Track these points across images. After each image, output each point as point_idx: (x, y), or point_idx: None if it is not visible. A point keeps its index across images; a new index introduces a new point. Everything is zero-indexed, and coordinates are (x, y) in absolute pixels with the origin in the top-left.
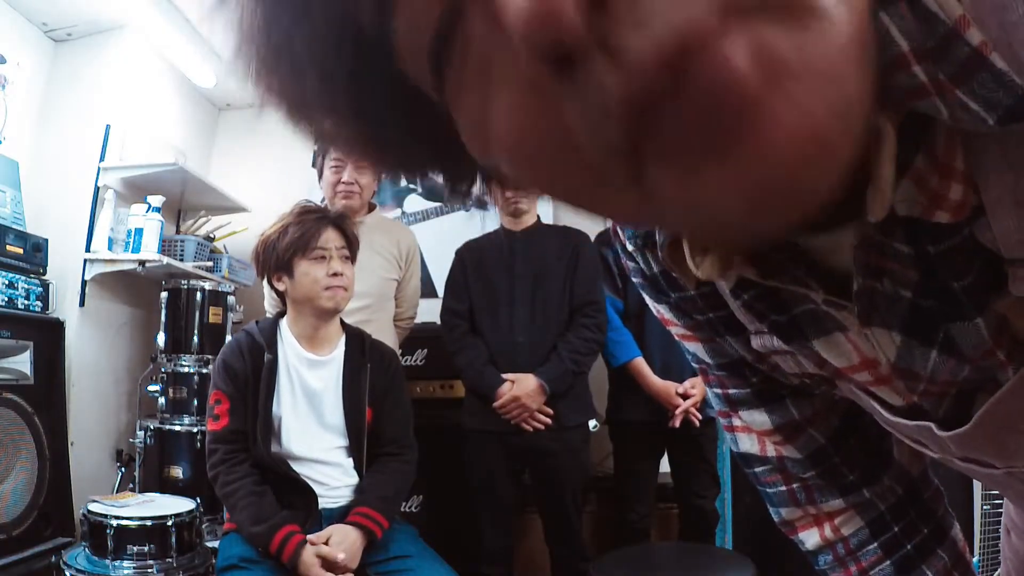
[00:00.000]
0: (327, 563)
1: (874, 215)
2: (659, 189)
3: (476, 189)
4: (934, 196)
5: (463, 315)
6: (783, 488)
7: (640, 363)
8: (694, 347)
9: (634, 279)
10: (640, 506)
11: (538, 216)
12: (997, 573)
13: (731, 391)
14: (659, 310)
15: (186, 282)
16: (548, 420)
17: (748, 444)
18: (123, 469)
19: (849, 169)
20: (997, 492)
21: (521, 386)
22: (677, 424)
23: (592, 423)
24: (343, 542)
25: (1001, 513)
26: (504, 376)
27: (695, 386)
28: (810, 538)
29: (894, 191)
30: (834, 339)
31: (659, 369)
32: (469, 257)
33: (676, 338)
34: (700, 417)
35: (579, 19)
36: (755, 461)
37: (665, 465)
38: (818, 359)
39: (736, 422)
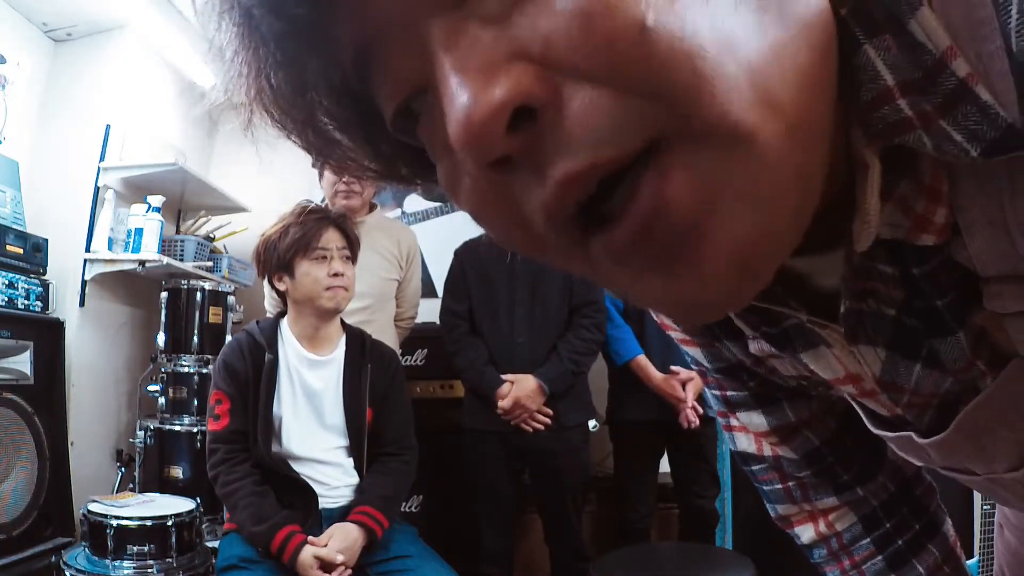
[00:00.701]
0: (325, 564)
1: (860, 246)
2: (606, 273)
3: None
4: (919, 220)
5: (463, 315)
6: (779, 486)
7: (643, 360)
8: (693, 351)
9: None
10: (641, 506)
11: None
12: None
13: (729, 393)
14: (659, 317)
15: (186, 282)
16: (548, 420)
17: (745, 443)
18: (123, 469)
19: (827, 202)
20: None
21: (520, 387)
22: (687, 423)
23: (592, 423)
24: (345, 540)
25: (996, 511)
26: (504, 376)
27: (695, 376)
28: (805, 532)
29: (879, 220)
30: (820, 352)
31: (659, 368)
32: (468, 257)
33: (676, 342)
34: (701, 411)
35: (504, 139)
36: (752, 460)
37: (665, 465)
38: (808, 368)
39: (734, 422)
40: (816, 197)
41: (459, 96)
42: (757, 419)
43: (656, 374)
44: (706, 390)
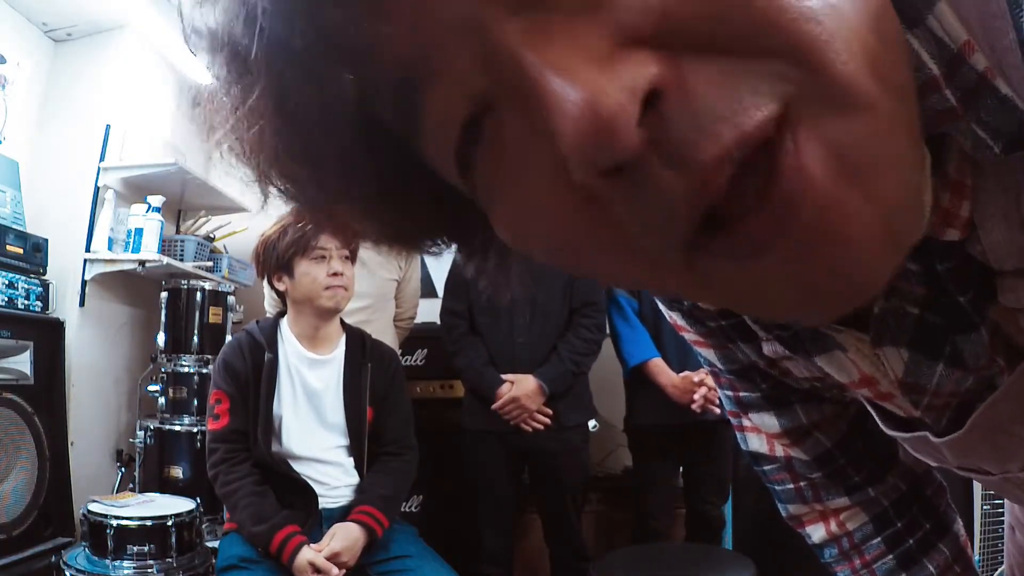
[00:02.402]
0: (320, 571)
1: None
2: (722, 279)
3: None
4: (945, 214)
5: (463, 315)
6: (790, 486)
7: (658, 363)
8: (707, 353)
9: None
10: (664, 515)
11: None
12: (999, 572)
13: (742, 394)
14: (672, 317)
15: (186, 282)
16: (547, 420)
17: (757, 444)
18: (123, 469)
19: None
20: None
21: (520, 387)
22: (698, 407)
23: (592, 423)
24: (346, 540)
25: (1001, 513)
26: (503, 376)
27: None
28: (816, 532)
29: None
30: (834, 356)
31: (676, 371)
32: None
33: (690, 343)
34: (718, 402)
35: (636, 132)
36: (764, 460)
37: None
38: (822, 371)
39: (746, 423)
40: (922, 153)
41: (571, 91)
42: (769, 421)
43: (673, 376)
44: (719, 390)
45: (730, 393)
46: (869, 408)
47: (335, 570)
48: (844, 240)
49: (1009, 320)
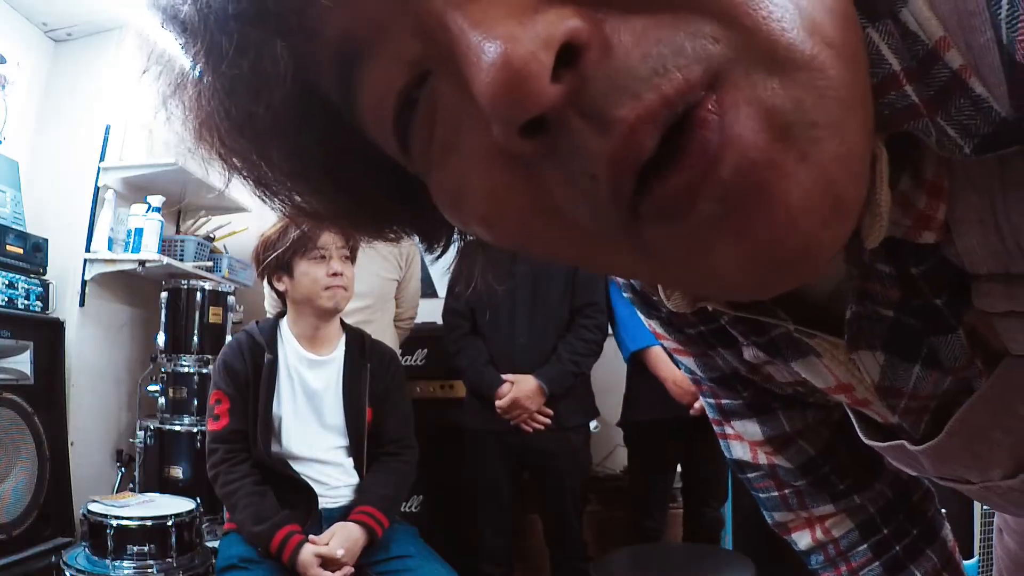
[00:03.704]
0: (325, 561)
1: (871, 242)
2: (659, 249)
3: (453, 245)
4: (921, 217)
5: (465, 315)
6: (775, 494)
7: (659, 352)
8: (687, 361)
9: (625, 294)
10: (659, 513)
11: None
12: None
13: (724, 402)
14: (651, 325)
15: (186, 282)
16: (548, 421)
17: (741, 451)
18: (123, 469)
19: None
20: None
21: (520, 387)
22: (696, 407)
23: (593, 424)
24: (346, 540)
25: (995, 515)
26: (504, 377)
27: None
28: (802, 539)
29: (889, 215)
30: (810, 362)
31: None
32: None
33: (670, 352)
34: None
35: (550, 85)
36: (747, 467)
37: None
38: (800, 376)
39: (729, 430)
40: (870, 139)
41: (489, 45)
42: (752, 428)
43: (675, 371)
44: (701, 398)
45: (712, 401)
46: (850, 414)
47: (341, 551)
48: (776, 199)
49: (984, 323)
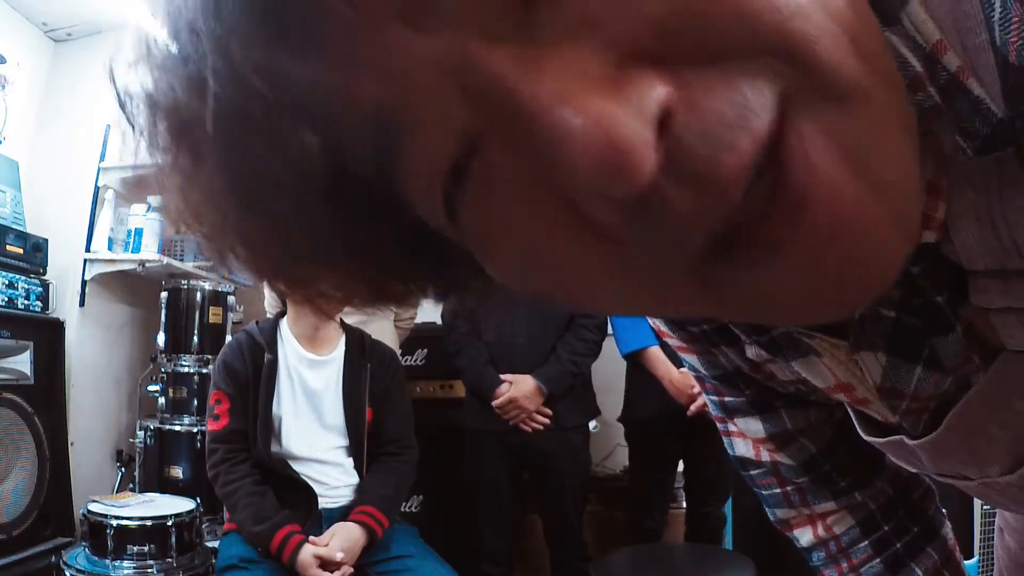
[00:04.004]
0: (325, 562)
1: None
2: (736, 290)
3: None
4: (922, 217)
5: (464, 315)
6: (777, 491)
7: (656, 352)
8: (691, 358)
9: None
10: (659, 513)
11: None
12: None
13: (727, 399)
14: (655, 323)
15: (186, 282)
16: (547, 421)
17: (743, 449)
18: (123, 469)
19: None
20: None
21: (519, 387)
22: (693, 409)
23: (592, 424)
24: (347, 540)
25: (996, 514)
26: (503, 377)
27: None
28: (804, 536)
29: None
30: (810, 361)
31: (678, 364)
32: None
33: (674, 349)
34: None
35: (654, 159)
36: (750, 465)
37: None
38: (801, 375)
39: (732, 427)
40: (918, 145)
41: (580, 123)
42: (754, 425)
43: (671, 368)
44: (704, 395)
45: (715, 398)
46: (850, 412)
47: (340, 554)
48: (857, 232)
49: (981, 319)
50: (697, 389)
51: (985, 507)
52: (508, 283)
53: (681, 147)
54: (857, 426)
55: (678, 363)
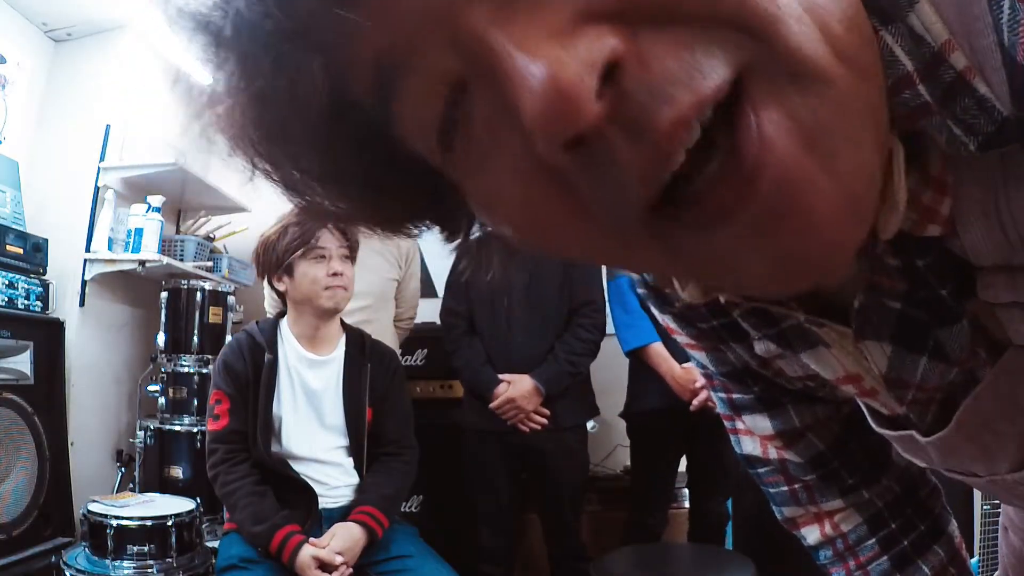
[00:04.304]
0: (323, 564)
1: (886, 233)
2: (691, 251)
3: (473, 235)
4: (926, 211)
5: (462, 315)
6: (785, 488)
7: (658, 349)
8: (699, 355)
9: (639, 290)
10: (659, 511)
11: None
12: (998, 573)
13: (734, 396)
14: (664, 320)
15: (186, 282)
16: (544, 421)
17: (751, 447)
18: (123, 469)
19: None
20: (986, 494)
21: (516, 387)
22: (700, 405)
23: (590, 424)
24: (347, 540)
25: (1000, 513)
26: (501, 376)
27: None
28: (811, 534)
29: (905, 208)
30: (819, 352)
31: (682, 350)
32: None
33: (683, 347)
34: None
35: (595, 104)
36: (758, 463)
37: (682, 463)
38: (812, 369)
39: (739, 425)
40: (885, 138)
41: (535, 68)
42: (762, 423)
43: (673, 364)
44: (712, 393)
45: (723, 395)
46: (861, 405)
47: (340, 558)
48: (806, 209)
49: (988, 314)
50: (699, 384)
51: (985, 507)
52: (483, 219)
53: (625, 97)
54: (869, 418)
55: (680, 359)
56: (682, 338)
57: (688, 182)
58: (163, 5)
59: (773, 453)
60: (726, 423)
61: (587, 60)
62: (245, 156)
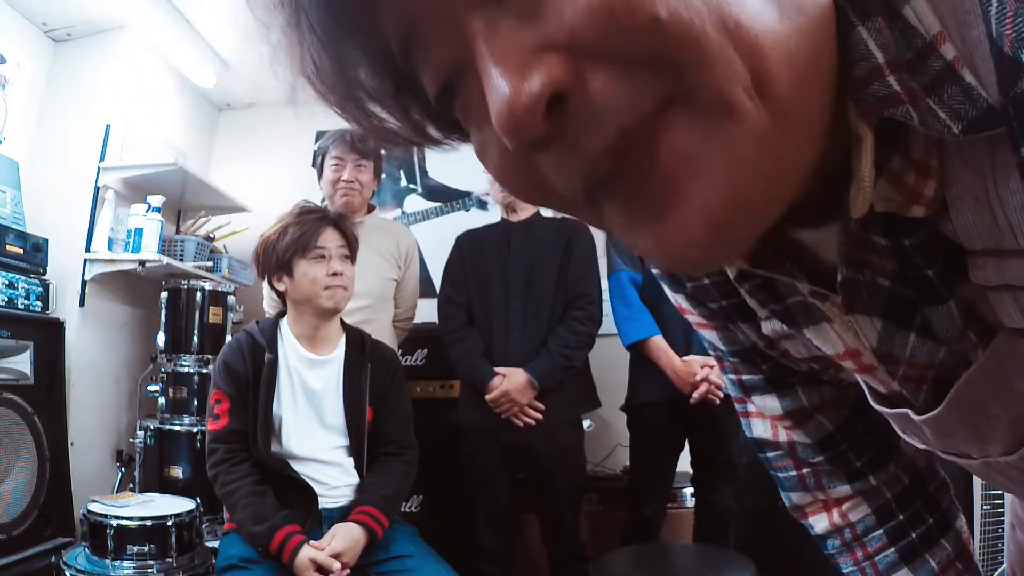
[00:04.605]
0: (321, 568)
1: (856, 212)
2: (611, 224)
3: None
4: (911, 193)
5: (461, 305)
6: (793, 473)
7: (658, 342)
8: (709, 335)
9: (653, 269)
10: (657, 503)
11: (538, 209)
12: (999, 572)
13: (744, 377)
14: (677, 299)
15: (186, 282)
16: (538, 415)
17: (761, 429)
18: (123, 469)
19: (792, 200)
20: (997, 491)
21: (511, 381)
22: (700, 398)
23: (587, 423)
24: (348, 540)
25: (1002, 512)
26: (497, 370)
27: (713, 363)
28: (819, 523)
29: (873, 190)
30: (822, 328)
31: (683, 343)
32: (468, 247)
33: (693, 326)
34: (721, 396)
35: (542, 123)
36: (767, 446)
37: (683, 464)
38: (815, 346)
39: (750, 407)
40: (802, 174)
41: (500, 87)
42: (771, 403)
43: (673, 357)
44: (723, 375)
45: (733, 377)
46: (861, 383)
47: (337, 565)
48: (674, 217)
49: (979, 297)
50: (699, 377)
51: (986, 506)
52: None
53: (566, 120)
54: (868, 396)
55: (680, 353)
56: (693, 318)
57: (625, 181)
58: None
59: (783, 435)
60: (737, 406)
61: (537, 93)
62: (307, 72)
